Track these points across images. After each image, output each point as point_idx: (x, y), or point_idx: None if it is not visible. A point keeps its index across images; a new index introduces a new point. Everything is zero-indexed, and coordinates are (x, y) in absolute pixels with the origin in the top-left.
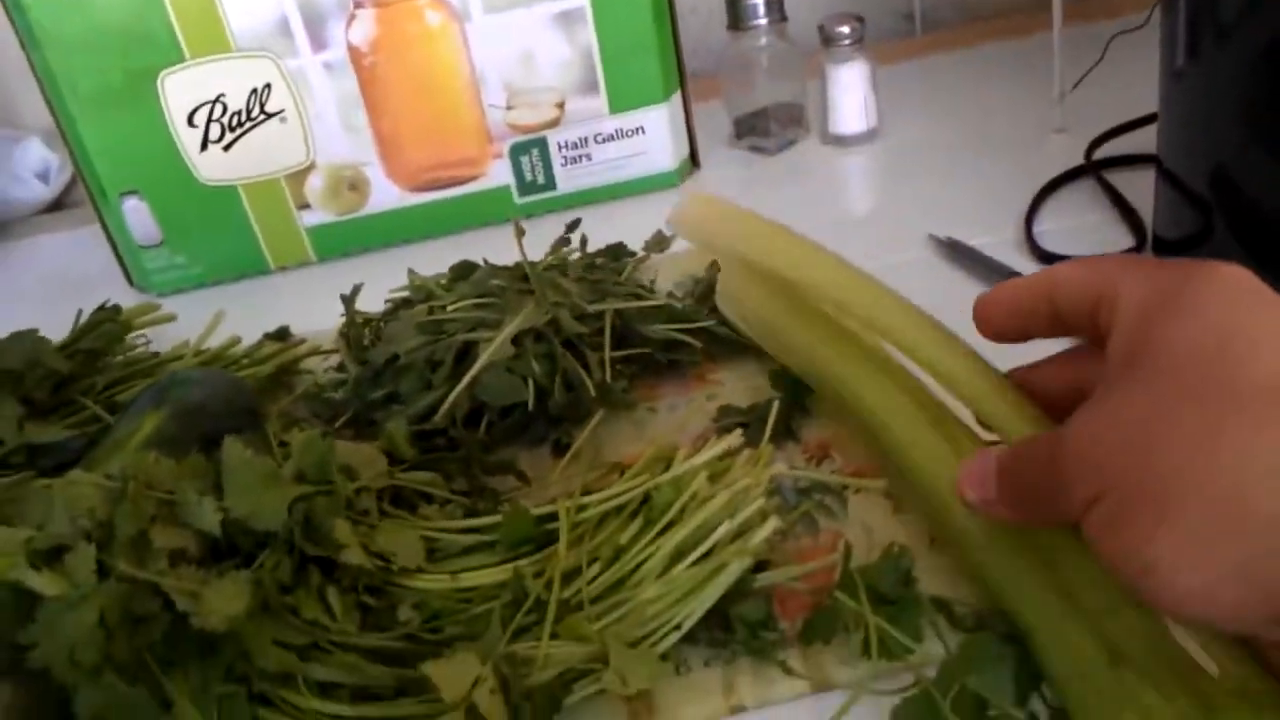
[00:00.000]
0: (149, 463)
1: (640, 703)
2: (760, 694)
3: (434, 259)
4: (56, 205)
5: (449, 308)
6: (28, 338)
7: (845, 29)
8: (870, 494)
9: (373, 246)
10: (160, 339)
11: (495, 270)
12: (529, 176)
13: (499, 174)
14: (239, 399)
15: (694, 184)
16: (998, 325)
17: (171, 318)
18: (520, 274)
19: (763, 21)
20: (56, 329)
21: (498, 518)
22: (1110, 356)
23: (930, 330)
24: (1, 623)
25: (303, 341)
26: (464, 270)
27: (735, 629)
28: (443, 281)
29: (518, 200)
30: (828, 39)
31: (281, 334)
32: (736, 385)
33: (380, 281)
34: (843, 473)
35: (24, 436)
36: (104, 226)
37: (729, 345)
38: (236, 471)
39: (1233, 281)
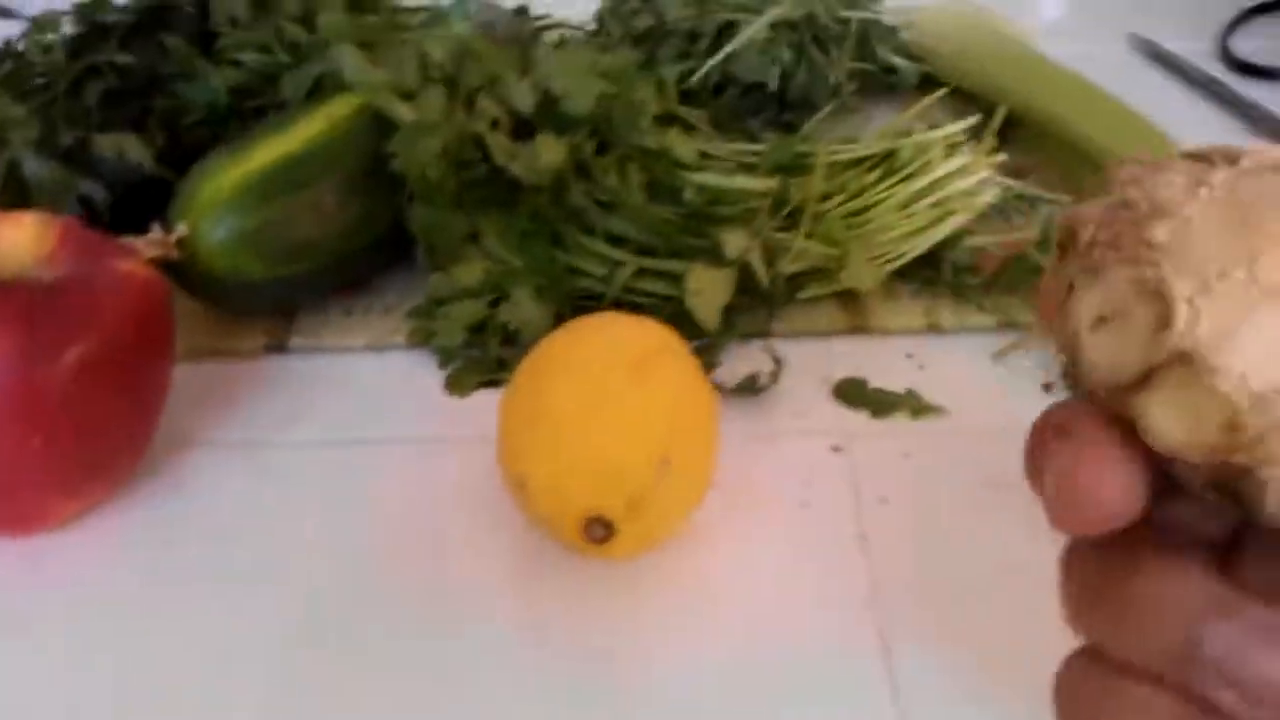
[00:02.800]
0: (482, 42)
1: (855, 309)
2: (956, 319)
3: None
4: None
5: None
6: None
7: None
8: (1062, 207)
9: None
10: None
11: None
12: None
13: None
14: (517, 27)
15: None
16: None
17: None
18: None
19: None
20: None
21: (764, 145)
22: None
23: None
24: (369, 140)
25: (546, 16)
26: None
27: (943, 269)
28: None
29: None
30: None
31: (521, 10)
32: (944, 116)
33: None
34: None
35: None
36: None
37: (939, 84)
38: (556, 59)
39: None
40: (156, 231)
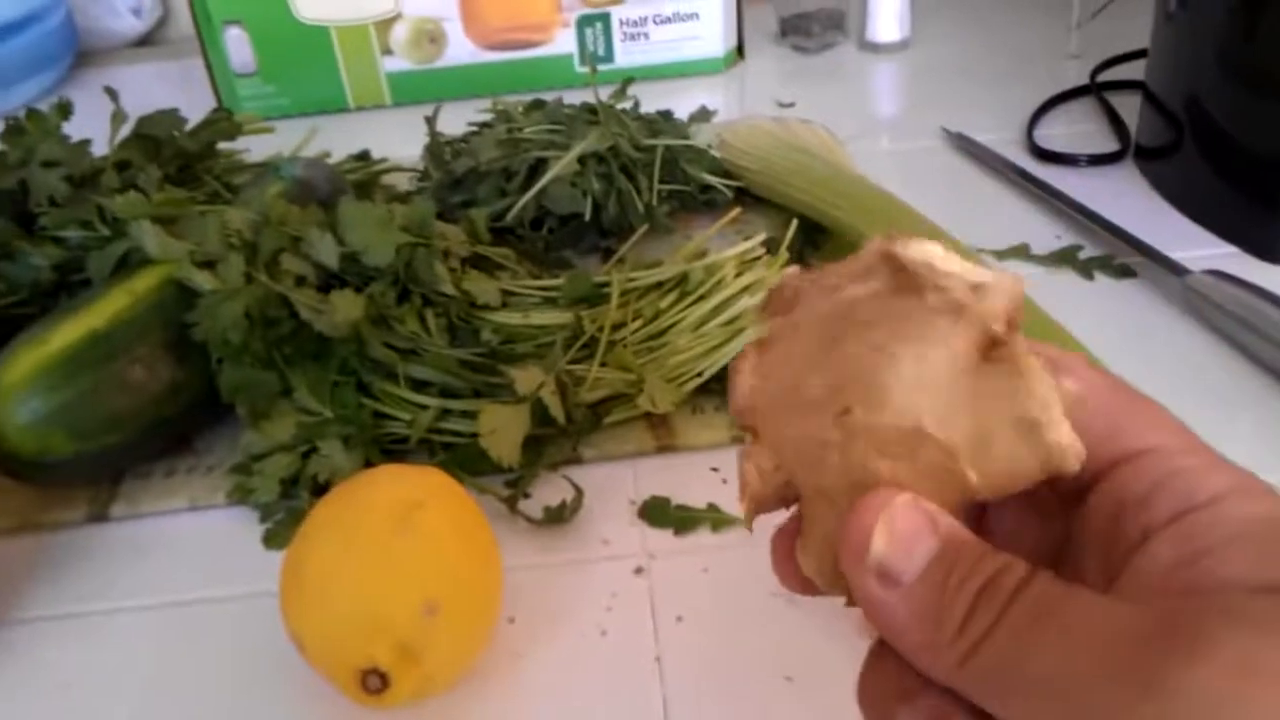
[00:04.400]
0: (282, 206)
1: (663, 429)
2: None
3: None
4: (142, 41)
5: (525, 130)
6: (171, 114)
7: None
8: None
9: (443, 97)
10: (255, 154)
11: (566, 105)
12: (591, 47)
13: (564, 43)
14: (338, 182)
15: (739, 73)
16: None
17: (271, 129)
18: (589, 109)
19: None
20: None
21: (562, 279)
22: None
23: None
24: (176, 309)
25: (384, 160)
26: (538, 104)
27: None
28: (521, 109)
29: (578, 69)
30: None
31: (363, 155)
32: (759, 225)
33: (446, 129)
34: None
35: (166, 194)
36: (204, 53)
37: (755, 197)
38: (354, 217)
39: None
40: None
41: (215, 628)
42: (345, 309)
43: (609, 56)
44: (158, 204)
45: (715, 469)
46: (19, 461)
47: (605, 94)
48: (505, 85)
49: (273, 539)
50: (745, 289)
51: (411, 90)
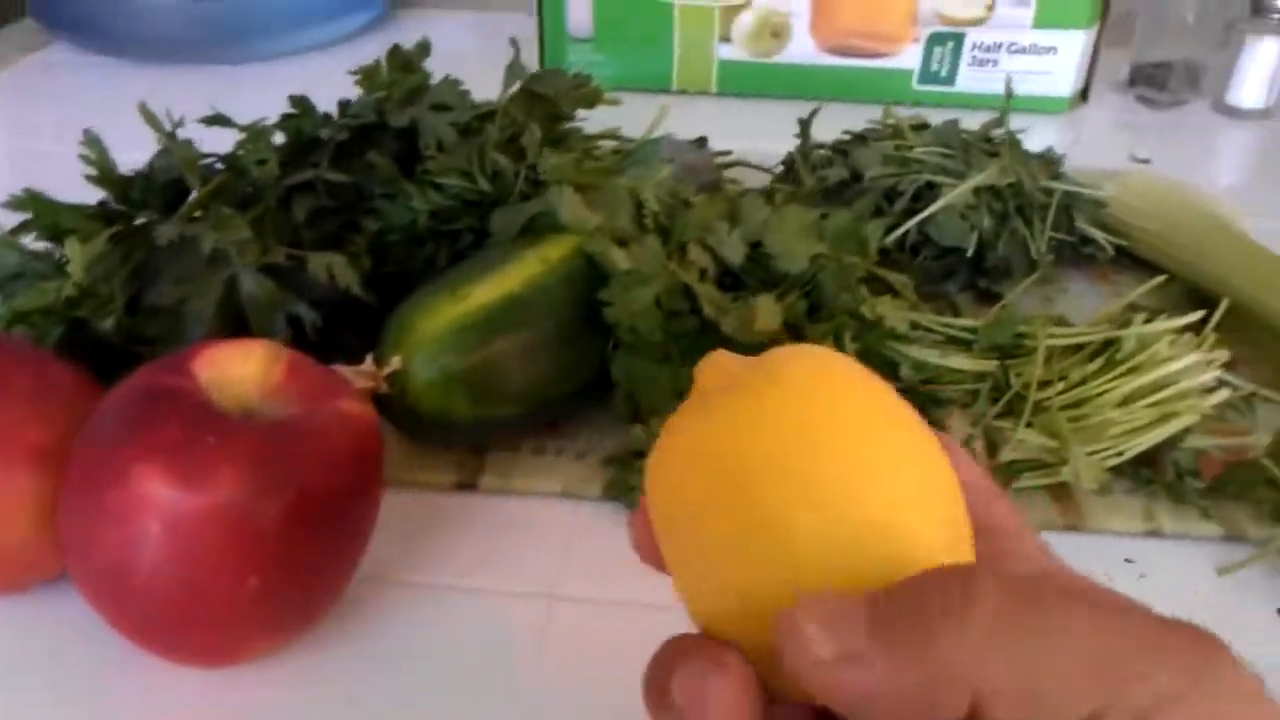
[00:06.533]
0: (689, 191)
1: (1069, 504)
2: (1178, 525)
3: (817, 121)
4: None
5: (916, 149)
6: (555, 73)
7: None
8: (1275, 405)
9: (767, 93)
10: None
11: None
12: (934, 67)
13: (908, 58)
14: (715, 172)
15: (1078, 116)
16: None
17: (619, 102)
18: (984, 138)
19: None
20: None
21: (978, 321)
22: None
23: None
24: (581, 285)
25: (728, 153)
26: (925, 124)
27: (1164, 470)
28: (912, 125)
29: (915, 86)
30: (1259, 7)
31: (700, 141)
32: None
33: (775, 130)
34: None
35: (591, 163)
36: (539, 12)
37: (1132, 257)
38: (771, 214)
39: None
40: (369, 364)
41: (576, 627)
42: (766, 316)
43: (950, 79)
44: (585, 171)
45: (1130, 560)
46: (416, 418)
47: (937, 119)
48: (836, 92)
49: None
50: (1184, 370)
51: (739, 81)
